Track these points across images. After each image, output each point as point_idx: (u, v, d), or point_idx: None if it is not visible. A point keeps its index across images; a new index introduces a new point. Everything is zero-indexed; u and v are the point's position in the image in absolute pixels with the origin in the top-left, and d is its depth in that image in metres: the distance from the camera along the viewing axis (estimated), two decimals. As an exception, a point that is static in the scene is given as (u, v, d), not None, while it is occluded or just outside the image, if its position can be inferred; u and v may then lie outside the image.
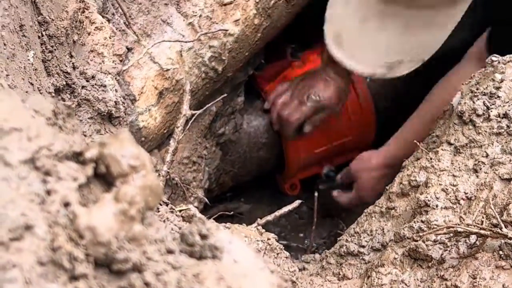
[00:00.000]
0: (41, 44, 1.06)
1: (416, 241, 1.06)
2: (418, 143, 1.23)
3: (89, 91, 1.17)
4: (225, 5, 1.52)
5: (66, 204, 0.47)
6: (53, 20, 1.08)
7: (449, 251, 1.03)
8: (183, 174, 1.66)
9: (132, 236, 0.48)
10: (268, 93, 1.92)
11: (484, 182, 1.06)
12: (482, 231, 0.95)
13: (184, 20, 1.48)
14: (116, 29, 1.38)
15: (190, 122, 1.38)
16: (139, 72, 1.41)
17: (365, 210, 1.27)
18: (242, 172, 2.05)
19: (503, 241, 0.97)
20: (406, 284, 1.06)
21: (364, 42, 1.37)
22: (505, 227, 0.94)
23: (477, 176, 1.08)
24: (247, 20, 1.57)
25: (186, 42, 1.47)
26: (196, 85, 1.55)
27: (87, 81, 1.17)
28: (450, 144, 1.15)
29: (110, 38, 1.26)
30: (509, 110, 1.09)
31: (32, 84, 0.96)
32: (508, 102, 1.10)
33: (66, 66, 1.11)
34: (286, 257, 1.19)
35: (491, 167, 1.07)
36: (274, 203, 2.08)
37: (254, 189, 2.20)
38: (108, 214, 0.47)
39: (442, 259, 1.03)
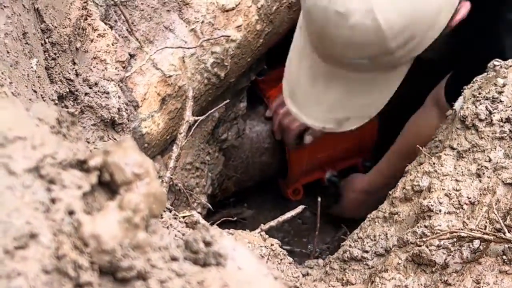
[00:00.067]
0: (44, 51, 1.07)
1: (420, 246, 1.06)
2: (420, 148, 1.23)
3: (92, 98, 1.17)
4: (227, 11, 1.52)
5: (71, 212, 0.47)
6: (56, 27, 1.09)
7: (453, 256, 1.02)
8: (186, 180, 1.66)
9: (136, 243, 0.48)
10: (271, 99, 1.93)
11: (487, 187, 1.06)
12: (486, 236, 0.95)
13: (186, 27, 1.49)
14: (119, 36, 1.38)
15: (193, 128, 1.38)
16: (142, 78, 1.41)
17: (368, 215, 1.27)
18: (245, 177, 2.05)
19: (506, 245, 0.97)
20: (409, 289, 1.06)
21: (314, 99, 1.43)
22: (508, 232, 0.94)
23: (480, 181, 1.08)
24: (249, 26, 1.57)
25: (188, 48, 1.47)
26: (199, 91, 1.55)
27: (90, 88, 1.17)
28: (453, 148, 1.15)
29: (112, 45, 1.27)
30: (512, 115, 1.09)
31: (35, 91, 0.96)
32: (510, 106, 1.10)
33: (69, 73, 1.12)
34: (290, 263, 1.19)
35: (494, 172, 1.07)
36: (277, 208, 2.09)
37: (257, 194, 2.20)
38: (112, 222, 0.47)
39: (446, 264, 1.03)
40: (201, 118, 1.41)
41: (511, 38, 1.28)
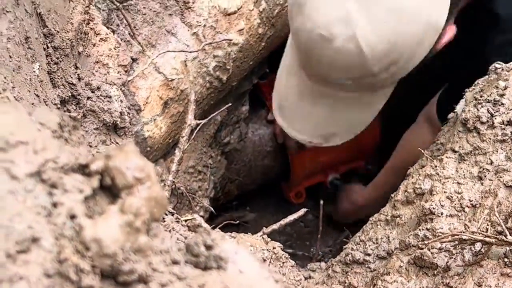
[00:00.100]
0: (47, 56, 1.07)
1: (421, 249, 1.06)
2: (422, 151, 1.24)
3: (95, 102, 1.17)
4: (229, 15, 1.52)
5: (72, 216, 0.47)
6: (58, 32, 1.09)
7: (454, 258, 1.02)
8: (189, 183, 1.66)
9: (137, 247, 0.48)
10: (273, 103, 1.93)
11: (489, 190, 1.06)
12: (487, 239, 0.95)
13: (188, 30, 1.49)
14: (121, 40, 1.38)
15: (195, 131, 1.39)
16: (144, 82, 1.42)
17: (371, 218, 1.27)
18: (247, 181, 2.05)
19: (508, 248, 0.97)
20: (411, 292, 1.06)
21: (300, 115, 1.48)
22: (510, 235, 0.94)
23: (482, 184, 1.08)
24: (251, 30, 1.57)
25: (190, 52, 1.48)
26: (201, 94, 1.55)
27: (93, 92, 1.18)
28: (454, 151, 1.15)
29: (115, 49, 1.27)
30: (513, 117, 1.09)
31: (38, 95, 0.96)
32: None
33: (72, 77, 1.12)
34: (292, 266, 1.19)
35: (495, 174, 1.07)
36: (280, 211, 2.09)
37: (260, 197, 2.21)
38: (113, 226, 0.47)
39: (448, 267, 1.03)
40: (203, 121, 1.41)
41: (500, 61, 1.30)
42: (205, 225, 1.18)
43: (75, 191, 0.49)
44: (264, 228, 1.31)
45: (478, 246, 1.00)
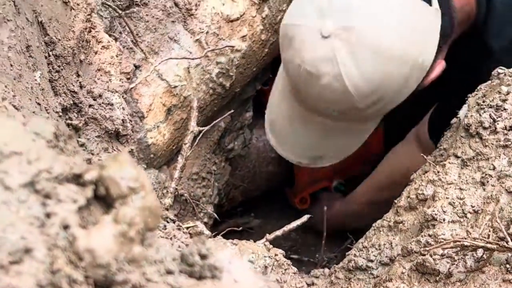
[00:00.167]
0: (48, 64, 1.07)
1: (424, 255, 1.05)
2: (425, 157, 1.23)
3: (96, 109, 1.18)
4: (231, 21, 1.53)
5: (66, 227, 0.47)
6: (59, 40, 1.09)
7: (457, 265, 1.02)
8: (193, 190, 1.66)
9: (131, 257, 0.48)
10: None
11: (491, 195, 1.05)
12: (489, 245, 0.95)
13: (191, 37, 1.49)
14: (124, 47, 1.39)
15: (198, 138, 1.39)
16: (147, 89, 1.42)
17: (373, 224, 1.27)
18: (252, 187, 2.05)
19: (509, 254, 0.96)
20: (414, 299, 1.06)
21: (290, 137, 1.53)
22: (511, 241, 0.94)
23: (484, 189, 1.07)
24: (254, 36, 1.57)
25: (193, 58, 1.48)
26: (204, 101, 1.55)
27: (94, 99, 1.18)
28: (457, 157, 1.14)
29: (117, 56, 1.28)
30: (516, 123, 1.09)
31: (39, 104, 0.97)
32: (514, 114, 1.10)
33: (73, 85, 1.12)
34: (294, 273, 1.19)
35: (498, 180, 1.06)
36: (284, 217, 2.08)
37: (264, 203, 2.20)
38: (107, 236, 0.47)
39: (450, 273, 1.02)
40: (206, 128, 1.41)
41: None
42: (207, 232, 1.18)
43: (69, 201, 0.49)
44: (267, 234, 1.30)
45: (480, 252, 1.00)
